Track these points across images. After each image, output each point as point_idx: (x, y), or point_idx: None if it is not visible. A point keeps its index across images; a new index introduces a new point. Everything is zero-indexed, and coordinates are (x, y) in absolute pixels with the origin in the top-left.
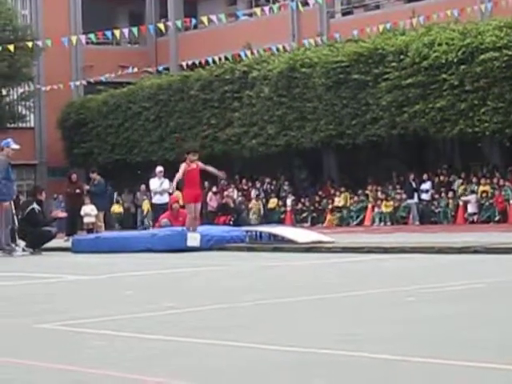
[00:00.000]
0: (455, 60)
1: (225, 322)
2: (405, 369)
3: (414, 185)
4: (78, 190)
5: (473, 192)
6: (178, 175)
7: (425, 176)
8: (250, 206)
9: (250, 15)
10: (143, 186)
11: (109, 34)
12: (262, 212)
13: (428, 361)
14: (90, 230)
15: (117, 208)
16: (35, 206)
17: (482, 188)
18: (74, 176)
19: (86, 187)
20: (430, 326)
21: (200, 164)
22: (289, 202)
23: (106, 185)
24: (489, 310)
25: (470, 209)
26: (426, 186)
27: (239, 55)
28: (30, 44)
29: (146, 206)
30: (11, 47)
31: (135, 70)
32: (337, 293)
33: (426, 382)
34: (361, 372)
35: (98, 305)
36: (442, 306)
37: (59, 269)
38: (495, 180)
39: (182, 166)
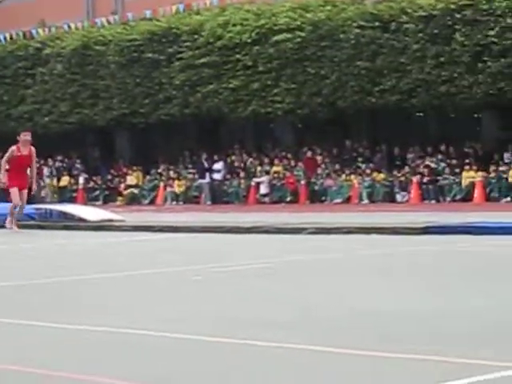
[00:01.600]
0: (249, 41)
1: (15, 301)
2: (189, 346)
3: (206, 165)
4: None
5: (265, 173)
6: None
7: (217, 156)
8: (42, 183)
9: None
10: None
11: None
12: (53, 190)
13: (204, 339)
14: None
15: None
16: None
17: (274, 168)
18: None
19: None
20: (214, 304)
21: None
22: (81, 180)
23: None
24: (274, 287)
25: (262, 189)
26: (218, 165)
27: (31, 33)
28: None
29: None
30: None
31: None
32: (124, 271)
33: (202, 359)
34: (145, 352)
35: None
36: (227, 284)
37: None
38: (286, 161)
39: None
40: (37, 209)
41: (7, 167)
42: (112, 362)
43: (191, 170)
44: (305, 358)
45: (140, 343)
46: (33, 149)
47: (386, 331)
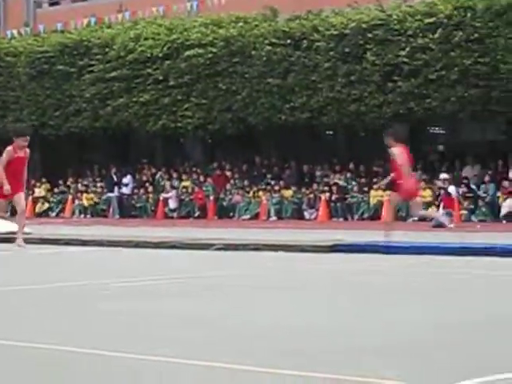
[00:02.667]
0: (160, 55)
1: None
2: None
3: (115, 178)
4: None
5: (173, 187)
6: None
7: (125, 170)
8: None
9: None
10: None
11: None
12: None
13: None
14: None
15: None
16: None
17: (183, 183)
18: None
19: None
20: (111, 320)
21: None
22: None
23: None
24: (173, 305)
25: (171, 204)
26: (127, 179)
27: None
28: None
29: None
30: None
31: None
32: (24, 285)
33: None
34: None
35: None
36: (125, 301)
37: None
38: (196, 176)
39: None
40: None
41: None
42: None
43: (100, 184)
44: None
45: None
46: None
47: (284, 347)
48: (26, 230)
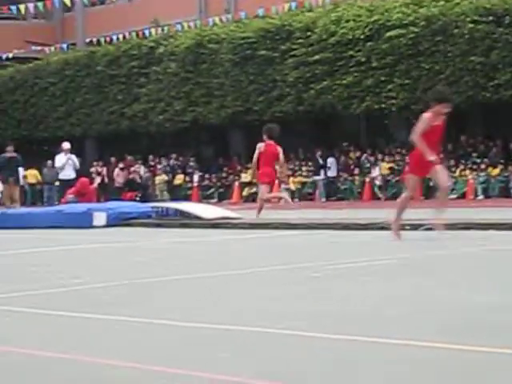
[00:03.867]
0: (362, 37)
1: (133, 298)
2: (314, 344)
3: (320, 161)
4: None
5: (379, 169)
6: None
7: (331, 152)
8: (156, 182)
9: None
10: (49, 162)
11: (14, 8)
12: (168, 188)
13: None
14: None
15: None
16: None
17: (387, 165)
18: None
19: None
20: (336, 302)
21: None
22: (195, 177)
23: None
24: (393, 286)
25: (376, 186)
26: (329, 162)
27: (143, 32)
28: None
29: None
30: None
31: (43, 48)
32: (244, 269)
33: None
34: (269, 347)
35: (2, 281)
36: (348, 282)
37: None
38: (401, 157)
39: None
40: (153, 207)
41: None
42: (240, 359)
43: (305, 167)
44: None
45: (262, 340)
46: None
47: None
48: (235, 214)
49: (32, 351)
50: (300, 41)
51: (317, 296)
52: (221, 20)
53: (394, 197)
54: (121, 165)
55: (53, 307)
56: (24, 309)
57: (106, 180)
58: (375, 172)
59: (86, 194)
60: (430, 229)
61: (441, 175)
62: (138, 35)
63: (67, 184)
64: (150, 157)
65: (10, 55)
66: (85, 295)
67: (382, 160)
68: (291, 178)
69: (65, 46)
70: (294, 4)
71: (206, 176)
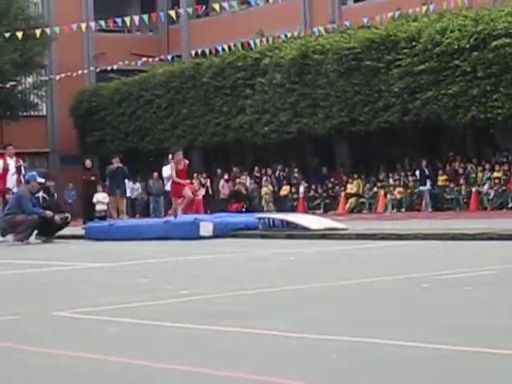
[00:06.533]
0: (467, 46)
1: (241, 308)
2: (431, 355)
3: (426, 171)
4: (92, 177)
5: (486, 178)
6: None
7: (437, 163)
8: (262, 193)
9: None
10: (155, 174)
11: (119, 21)
12: (274, 199)
13: (440, 347)
14: (102, 218)
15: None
16: (40, 193)
17: (494, 174)
18: (87, 162)
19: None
20: (445, 312)
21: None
22: (301, 188)
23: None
24: (503, 296)
25: (483, 195)
26: (439, 172)
27: (248, 43)
28: (38, 32)
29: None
30: (20, 35)
31: (148, 60)
32: (351, 279)
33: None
34: (377, 360)
35: (113, 292)
36: (457, 292)
37: (73, 256)
38: (507, 166)
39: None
40: (259, 218)
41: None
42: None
43: (411, 177)
44: None
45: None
46: (186, 161)
47: None
48: (342, 225)
49: (149, 363)
50: (405, 51)
51: (426, 306)
52: (326, 30)
53: (501, 207)
54: (226, 176)
55: (166, 319)
56: (138, 320)
57: (210, 191)
58: (482, 182)
59: (193, 205)
60: None
61: None
62: (243, 46)
63: None
64: (256, 168)
65: (116, 67)
66: (199, 306)
67: (489, 170)
68: (397, 189)
69: (170, 57)
70: (398, 13)
71: (312, 187)
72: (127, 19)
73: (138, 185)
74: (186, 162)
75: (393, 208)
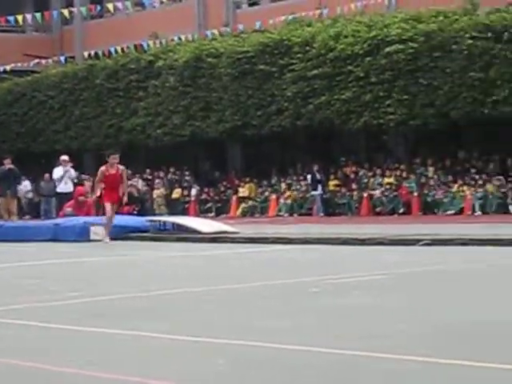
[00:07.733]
0: (361, 52)
1: (126, 311)
2: (300, 357)
3: (318, 176)
4: None
5: (377, 184)
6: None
7: (329, 167)
8: (154, 195)
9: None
10: (47, 175)
11: (12, 19)
12: (166, 202)
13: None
14: None
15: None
16: None
17: (386, 180)
18: None
19: None
20: (331, 316)
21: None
22: (193, 192)
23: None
24: (389, 301)
25: (375, 200)
26: (331, 177)
27: (141, 46)
28: None
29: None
30: None
31: (41, 61)
32: (240, 283)
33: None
34: (260, 361)
35: (2, 294)
36: (345, 296)
37: None
38: (399, 172)
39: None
40: (150, 221)
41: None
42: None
43: (303, 182)
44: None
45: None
46: (121, 167)
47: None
48: (233, 229)
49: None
50: (299, 56)
51: (315, 310)
52: (220, 33)
53: (392, 212)
54: None
55: (49, 320)
56: (22, 321)
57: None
58: (373, 187)
59: (83, 207)
60: (427, 244)
61: None
62: (136, 49)
63: (65, 197)
64: (148, 170)
65: (8, 68)
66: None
67: (380, 175)
68: (288, 193)
69: (63, 59)
70: (291, 18)
71: (204, 190)
72: (20, 17)
73: (28, 186)
74: (122, 167)
75: (285, 212)
